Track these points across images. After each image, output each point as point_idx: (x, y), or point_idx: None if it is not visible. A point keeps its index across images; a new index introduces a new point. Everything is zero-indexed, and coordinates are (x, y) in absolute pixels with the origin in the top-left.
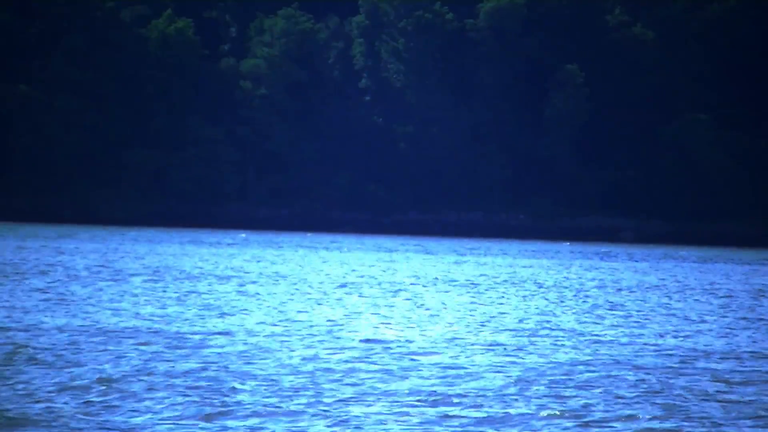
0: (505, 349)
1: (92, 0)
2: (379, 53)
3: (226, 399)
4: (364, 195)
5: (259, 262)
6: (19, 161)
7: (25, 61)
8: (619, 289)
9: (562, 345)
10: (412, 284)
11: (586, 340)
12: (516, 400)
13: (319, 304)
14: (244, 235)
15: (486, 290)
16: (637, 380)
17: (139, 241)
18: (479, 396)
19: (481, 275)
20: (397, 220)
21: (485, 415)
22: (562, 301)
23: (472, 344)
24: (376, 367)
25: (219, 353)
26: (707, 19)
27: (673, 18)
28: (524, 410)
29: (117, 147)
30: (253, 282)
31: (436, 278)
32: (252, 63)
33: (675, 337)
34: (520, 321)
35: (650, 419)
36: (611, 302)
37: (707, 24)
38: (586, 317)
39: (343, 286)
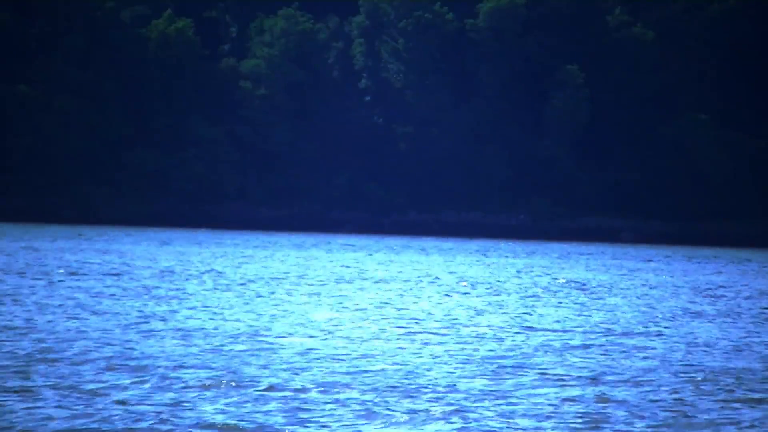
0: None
1: (92, 0)
2: (379, 53)
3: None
4: (363, 195)
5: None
6: (19, 161)
7: (25, 61)
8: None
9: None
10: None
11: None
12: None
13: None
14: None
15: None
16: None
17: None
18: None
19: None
20: (396, 221)
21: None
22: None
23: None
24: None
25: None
26: (707, 19)
27: (673, 18)
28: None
29: (117, 147)
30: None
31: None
32: (252, 63)
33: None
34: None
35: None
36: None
37: (707, 24)
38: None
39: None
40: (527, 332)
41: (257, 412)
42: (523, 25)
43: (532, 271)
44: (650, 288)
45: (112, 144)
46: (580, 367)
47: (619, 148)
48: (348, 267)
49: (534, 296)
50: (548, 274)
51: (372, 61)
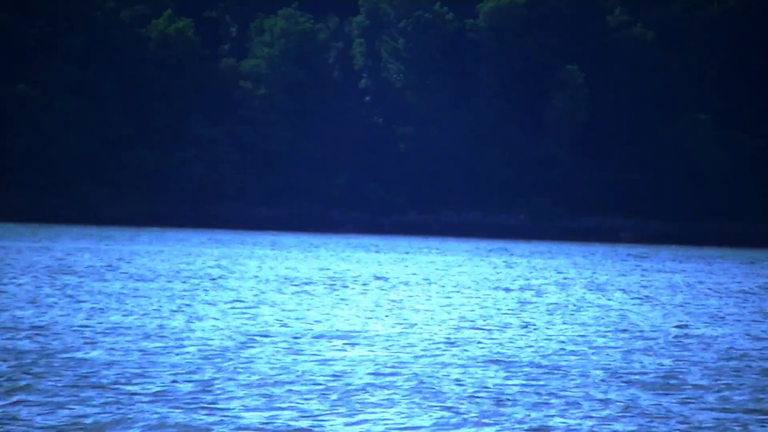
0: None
1: (92, 0)
2: (379, 53)
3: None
4: (363, 195)
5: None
6: (19, 161)
7: (25, 61)
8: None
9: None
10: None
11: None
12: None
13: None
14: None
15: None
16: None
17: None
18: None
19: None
20: (396, 221)
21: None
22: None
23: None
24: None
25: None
26: (707, 19)
27: (673, 18)
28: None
29: (117, 147)
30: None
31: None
32: (252, 63)
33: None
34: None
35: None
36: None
37: (707, 24)
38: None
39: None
40: (554, 334)
41: (291, 415)
42: (523, 25)
43: (546, 271)
44: (667, 288)
45: (112, 144)
46: (612, 368)
47: (619, 148)
48: (381, 267)
49: (555, 296)
50: (561, 273)
51: (372, 61)
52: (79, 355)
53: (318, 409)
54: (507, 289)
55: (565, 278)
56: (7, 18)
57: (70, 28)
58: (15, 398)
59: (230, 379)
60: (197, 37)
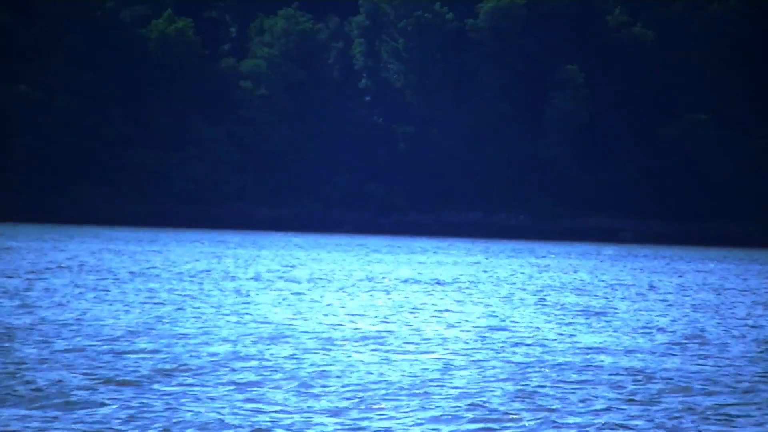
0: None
1: (92, 0)
2: (379, 53)
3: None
4: (364, 195)
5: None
6: (19, 161)
7: (25, 61)
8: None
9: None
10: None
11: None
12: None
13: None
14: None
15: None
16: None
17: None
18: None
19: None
20: (396, 221)
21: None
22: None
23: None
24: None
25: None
26: (707, 19)
27: (673, 18)
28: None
29: (117, 147)
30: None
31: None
32: (252, 63)
33: None
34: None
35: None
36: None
37: (707, 24)
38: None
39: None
40: (573, 333)
41: (308, 417)
42: (523, 25)
43: (556, 272)
44: (678, 288)
45: (112, 144)
46: (629, 369)
47: (619, 148)
48: (418, 269)
49: (571, 298)
50: (568, 274)
51: (372, 61)
52: (96, 354)
53: (340, 411)
54: (522, 289)
55: (578, 279)
56: (7, 18)
57: (70, 28)
58: (29, 397)
59: (243, 382)
60: (197, 37)
